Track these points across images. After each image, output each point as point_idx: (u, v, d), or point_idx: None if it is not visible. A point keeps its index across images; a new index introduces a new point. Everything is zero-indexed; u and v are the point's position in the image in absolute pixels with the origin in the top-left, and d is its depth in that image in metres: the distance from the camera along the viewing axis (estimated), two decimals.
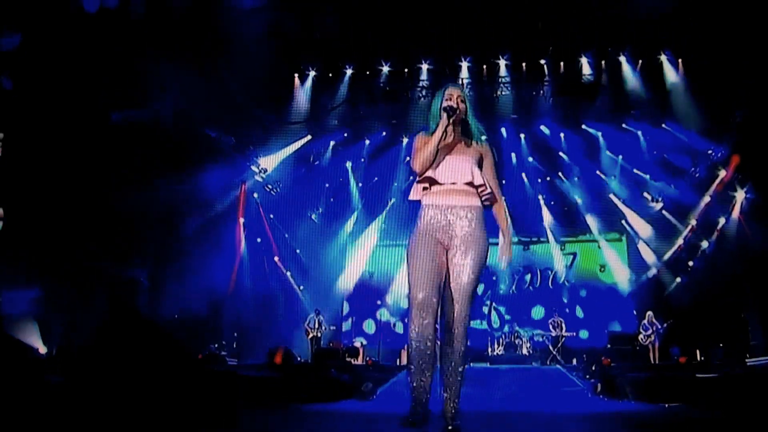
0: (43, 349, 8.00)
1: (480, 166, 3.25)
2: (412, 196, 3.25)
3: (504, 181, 16.20)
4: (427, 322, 2.96)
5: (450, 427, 2.94)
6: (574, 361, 13.29)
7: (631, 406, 5.63)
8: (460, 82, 13.26)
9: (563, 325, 14.11)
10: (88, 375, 3.44)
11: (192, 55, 10.94)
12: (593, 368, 8.26)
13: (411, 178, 2.98)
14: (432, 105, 3.33)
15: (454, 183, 3.14)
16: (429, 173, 3.15)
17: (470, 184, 3.14)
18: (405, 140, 15.40)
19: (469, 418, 3.25)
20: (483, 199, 3.20)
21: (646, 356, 12.59)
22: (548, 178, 16.01)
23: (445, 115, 3.15)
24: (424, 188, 3.19)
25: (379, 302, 17.04)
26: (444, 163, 3.16)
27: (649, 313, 13.12)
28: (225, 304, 12.94)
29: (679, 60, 12.92)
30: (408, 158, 15.65)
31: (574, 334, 14.17)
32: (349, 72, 14.04)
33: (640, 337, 12.91)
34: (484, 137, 3.34)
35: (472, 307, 3.11)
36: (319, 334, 13.82)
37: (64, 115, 9.40)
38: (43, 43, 9.63)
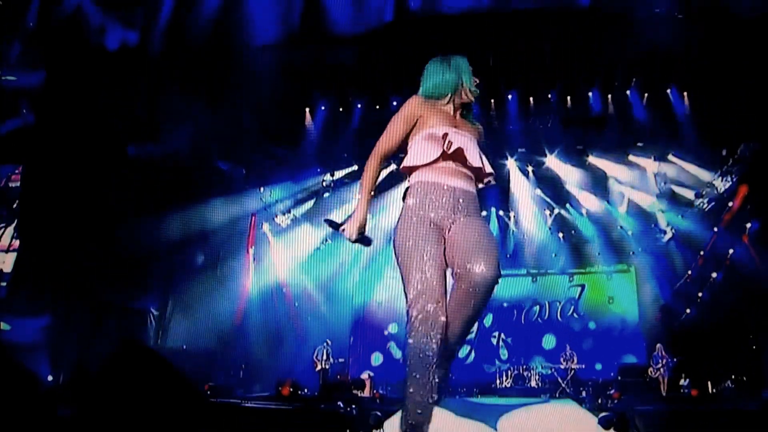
0: (50, 378, 7.96)
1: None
2: (411, 163, 2.71)
3: (512, 213, 16.20)
4: (434, 317, 2.31)
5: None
6: (584, 394, 13.04)
7: None
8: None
9: (574, 357, 13.89)
10: (95, 407, 3.41)
11: (206, 90, 11.13)
12: (599, 401, 8.09)
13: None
14: (436, 66, 2.99)
15: (463, 164, 2.68)
16: (446, 139, 2.66)
17: (479, 169, 2.73)
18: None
19: None
20: (483, 185, 2.83)
21: (656, 389, 12.32)
22: (556, 211, 15.95)
23: (468, 91, 2.82)
24: (428, 162, 2.67)
25: (386, 333, 16.90)
26: (457, 140, 2.66)
27: (659, 345, 12.90)
28: (233, 334, 12.87)
29: (685, 93, 12.96)
30: None
31: (583, 366, 13.92)
32: (359, 106, 14.18)
33: (650, 369, 12.66)
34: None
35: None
36: (327, 366, 13.63)
37: (82, 148, 9.56)
38: (65, 79, 9.86)
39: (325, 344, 13.90)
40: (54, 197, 9.21)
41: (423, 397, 2.34)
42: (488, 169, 2.77)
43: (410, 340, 2.39)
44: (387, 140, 2.86)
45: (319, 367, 13.57)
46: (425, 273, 2.42)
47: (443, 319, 2.36)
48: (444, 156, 2.66)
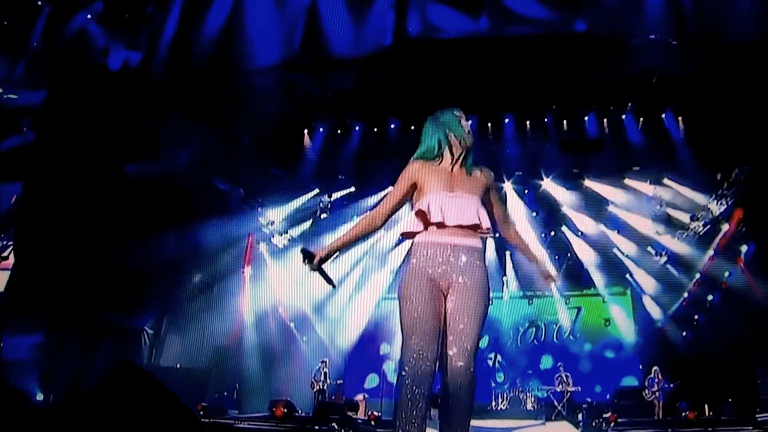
0: (40, 396, 7.83)
1: (486, 201, 2.90)
2: (408, 230, 2.80)
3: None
4: (423, 371, 2.46)
5: None
6: (579, 416, 12.89)
7: None
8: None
9: (569, 380, 13.76)
10: (86, 428, 3.34)
11: (206, 111, 11.17)
12: (596, 424, 7.99)
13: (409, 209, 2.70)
14: (428, 127, 3.07)
15: (459, 225, 2.72)
16: (431, 211, 2.72)
17: (476, 226, 2.76)
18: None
19: None
20: (485, 238, 2.84)
21: (651, 412, 12.18)
22: (552, 233, 15.93)
23: (456, 142, 2.89)
24: (423, 228, 2.76)
25: (383, 354, 16.75)
26: (448, 201, 2.72)
27: (655, 368, 12.77)
28: (227, 354, 12.74)
29: (680, 118, 13.04)
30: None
31: (579, 389, 13.78)
32: (358, 129, 14.23)
33: (645, 392, 12.53)
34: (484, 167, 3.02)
35: (476, 359, 2.69)
36: (324, 387, 13.46)
37: (81, 167, 9.54)
38: (67, 97, 9.88)
39: (322, 364, 13.75)
40: (51, 215, 9.16)
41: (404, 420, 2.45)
42: (486, 224, 2.80)
43: (402, 391, 2.47)
44: (385, 202, 2.93)
45: (316, 388, 13.40)
46: (421, 336, 2.52)
47: (431, 378, 2.49)
48: (439, 225, 2.74)
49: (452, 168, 2.89)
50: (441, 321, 2.62)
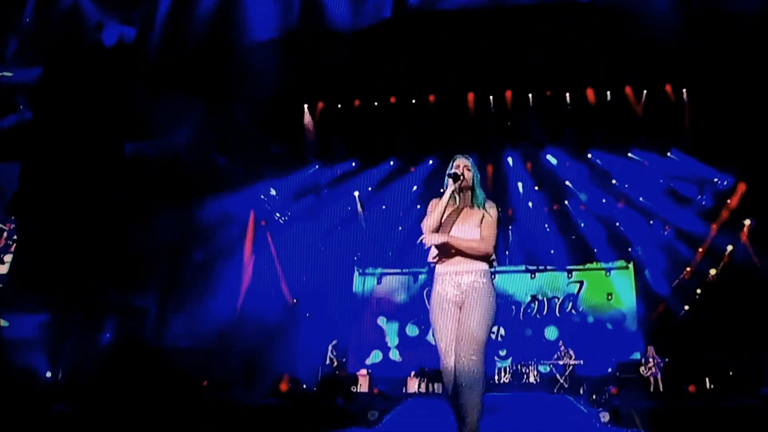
0: (48, 374, 7.97)
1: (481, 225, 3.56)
2: (430, 259, 3.64)
3: (510, 211, 16.22)
4: (450, 365, 3.37)
5: None
6: (581, 390, 13.09)
7: None
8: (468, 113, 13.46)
9: (571, 354, 13.93)
10: (93, 404, 3.42)
11: (204, 87, 11.12)
12: (593, 397, 8.13)
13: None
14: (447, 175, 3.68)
15: (463, 255, 3.48)
16: (445, 243, 3.50)
17: (489, 260, 3.51)
18: (412, 169, 15.46)
19: None
20: (490, 262, 3.54)
21: (649, 387, 12.41)
22: (555, 207, 15.97)
23: (450, 180, 3.55)
24: (439, 259, 3.56)
25: (385, 330, 16.98)
26: (456, 232, 3.51)
27: (650, 347, 13.00)
28: (231, 331, 12.88)
29: (684, 90, 12.96)
30: (415, 187, 15.74)
31: (581, 362, 13.94)
32: (358, 103, 14.17)
33: (642, 369, 12.74)
34: (488, 203, 3.65)
35: (486, 355, 3.42)
36: (337, 363, 14.01)
37: (79, 145, 9.55)
38: (62, 75, 9.84)
39: (335, 341, 14.22)
40: (51, 194, 9.21)
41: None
42: (488, 252, 3.52)
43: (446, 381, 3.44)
44: (431, 221, 3.61)
45: (332, 362, 13.86)
46: (444, 341, 3.41)
47: (453, 367, 3.37)
48: (448, 254, 3.52)
49: (462, 205, 3.63)
50: (457, 327, 3.42)
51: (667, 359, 12.63)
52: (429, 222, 3.55)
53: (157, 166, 10.58)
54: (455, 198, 3.62)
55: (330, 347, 14.13)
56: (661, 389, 12.19)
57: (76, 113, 9.75)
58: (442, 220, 3.56)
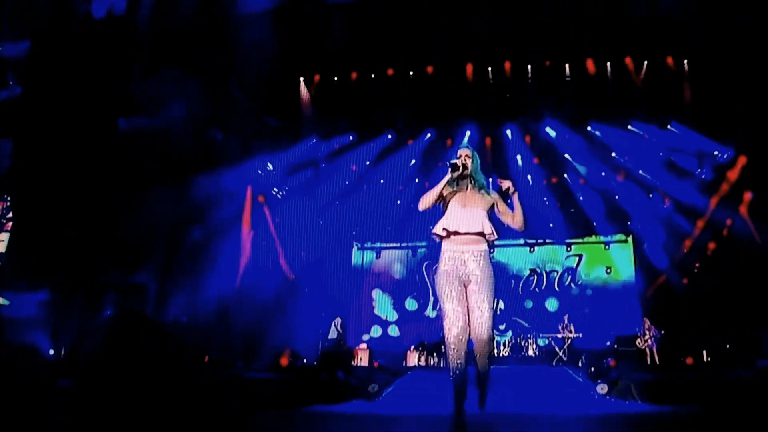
0: (51, 351, 8.04)
1: (493, 213, 3.93)
2: (435, 232, 3.96)
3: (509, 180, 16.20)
4: (460, 341, 3.73)
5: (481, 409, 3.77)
6: (580, 363, 13.27)
7: (639, 407, 5.61)
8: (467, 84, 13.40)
9: (571, 327, 14.09)
10: (97, 378, 3.47)
11: (198, 60, 11.01)
12: (591, 369, 8.25)
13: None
14: None
15: (468, 233, 3.82)
16: (448, 224, 3.86)
17: (481, 233, 3.84)
18: (410, 142, 15.42)
19: (476, 420, 3.27)
20: (490, 242, 3.90)
21: (645, 359, 12.62)
22: (554, 180, 15.99)
23: (450, 169, 3.89)
24: (445, 235, 3.87)
25: (384, 304, 17.15)
26: (460, 215, 3.84)
27: (646, 319, 13.18)
28: (231, 307, 12.97)
29: (685, 61, 12.89)
30: (413, 161, 15.73)
31: (580, 335, 14.11)
32: (355, 75, 14.06)
33: (638, 341, 12.93)
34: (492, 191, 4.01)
35: (492, 327, 3.84)
36: (342, 338, 14.18)
37: (72, 121, 9.47)
38: (52, 49, 9.72)
39: (340, 318, 14.42)
40: (45, 171, 9.17)
41: (452, 373, 3.77)
42: (488, 231, 3.87)
43: (448, 350, 3.78)
44: (423, 200, 3.99)
45: (335, 336, 14.05)
46: (455, 312, 3.76)
47: (463, 336, 3.76)
48: (455, 233, 3.86)
49: (467, 188, 3.95)
50: (466, 302, 3.82)
51: (662, 331, 12.81)
52: (424, 201, 3.92)
53: (152, 142, 10.52)
54: (454, 184, 3.96)
55: (334, 323, 14.29)
56: (657, 361, 12.38)
57: (67, 88, 9.66)
58: (446, 204, 3.93)
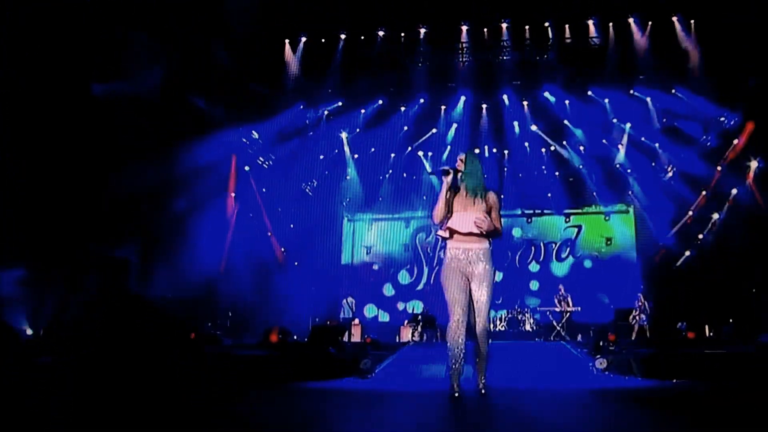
0: (29, 331, 8.05)
1: (489, 213, 4.37)
2: (441, 233, 4.46)
3: (506, 151, 16.24)
4: (458, 324, 4.25)
5: (483, 390, 4.22)
6: (579, 337, 13.45)
7: (638, 382, 5.71)
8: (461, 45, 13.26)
9: (569, 300, 14.21)
10: (77, 354, 3.49)
11: (177, 22, 10.81)
12: (600, 344, 8.37)
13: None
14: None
15: (468, 233, 4.31)
16: (451, 225, 4.37)
17: (480, 234, 4.32)
18: (403, 108, 15.33)
19: (471, 396, 3.32)
20: (490, 239, 4.41)
21: (637, 333, 12.90)
22: (552, 148, 16.00)
23: (441, 174, 4.41)
24: (448, 235, 4.38)
25: (376, 277, 17.27)
26: (460, 216, 4.35)
27: (639, 294, 13.39)
28: (218, 281, 13.00)
29: (692, 21, 12.80)
30: (406, 128, 15.66)
31: (579, 309, 14.26)
32: (342, 38, 13.87)
33: (631, 316, 13.17)
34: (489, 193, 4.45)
35: (489, 317, 4.48)
36: (351, 315, 14.43)
37: (41, 87, 9.30)
38: (17, 10, 9.49)
39: (350, 296, 14.64)
40: (17, 142, 9.04)
41: (451, 359, 4.26)
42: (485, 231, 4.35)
43: (448, 332, 4.30)
44: (435, 213, 4.45)
45: (349, 316, 14.30)
46: (455, 300, 4.28)
47: (463, 320, 4.28)
48: (457, 233, 4.37)
49: (465, 193, 4.42)
50: (467, 295, 4.32)
51: (650, 306, 13.08)
52: (436, 213, 4.41)
53: (130, 109, 10.37)
54: (454, 189, 4.45)
55: (346, 302, 14.65)
56: (648, 336, 12.57)
57: (35, 52, 9.47)
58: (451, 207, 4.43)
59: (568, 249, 16.78)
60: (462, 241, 4.36)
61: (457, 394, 4.05)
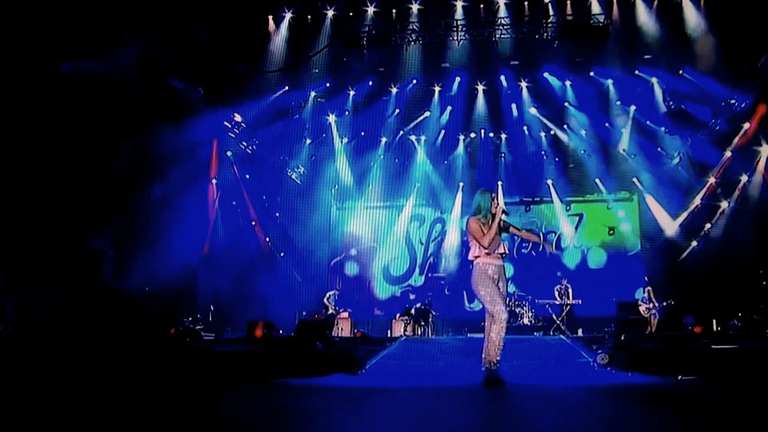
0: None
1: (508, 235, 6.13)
2: (472, 256, 5.80)
3: (504, 135, 16.24)
4: (504, 317, 5.51)
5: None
6: (580, 332, 13.52)
7: (641, 378, 5.75)
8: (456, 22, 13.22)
9: (570, 293, 14.24)
10: (47, 351, 3.46)
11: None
12: (597, 337, 8.43)
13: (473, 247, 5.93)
14: (480, 201, 5.77)
15: (501, 253, 5.77)
16: (489, 246, 5.67)
17: (504, 254, 5.81)
18: (394, 90, 15.27)
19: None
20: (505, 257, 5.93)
21: (647, 327, 12.93)
22: (552, 132, 16.00)
23: (503, 215, 5.78)
24: (486, 254, 5.71)
25: (365, 268, 17.31)
26: (494, 241, 5.69)
27: (648, 288, 13.45)
28: (199, 273, 12.94)
29: None
30: (397, 110, 15.61)
31: (580, 302, 14.31)
32: (330, 14, 13.77)
33: (642, 309, 13.21)
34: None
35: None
36: (335, 312, 14.49)
37: (4, 64, 9.16)
38: None
39: (335, 291, 14.82)
40: None
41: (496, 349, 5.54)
42: (505, 252, 5.89)
43: (498, 324, 5.53)
44: (486, 239, 5.69)
45: (330, 311, 14.30)
46: (495, 300, 5.54)
47: (506, 314, 5.59)
48: (490, 254, 5.76)
49: (492, 224, 5.73)
50: (498, 292, 5.66)
51: (665, 303, 13.11)
52: (488, 240, 5.63)
53: (102, 89, 10.24)
54: (490, 217, 5.78)
55: (327, 296, 14.64)
56: (658, 330, 12.64)
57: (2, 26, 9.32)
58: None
59: (569, 238, 16.83)
60: (496, 259, 5.76)
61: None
